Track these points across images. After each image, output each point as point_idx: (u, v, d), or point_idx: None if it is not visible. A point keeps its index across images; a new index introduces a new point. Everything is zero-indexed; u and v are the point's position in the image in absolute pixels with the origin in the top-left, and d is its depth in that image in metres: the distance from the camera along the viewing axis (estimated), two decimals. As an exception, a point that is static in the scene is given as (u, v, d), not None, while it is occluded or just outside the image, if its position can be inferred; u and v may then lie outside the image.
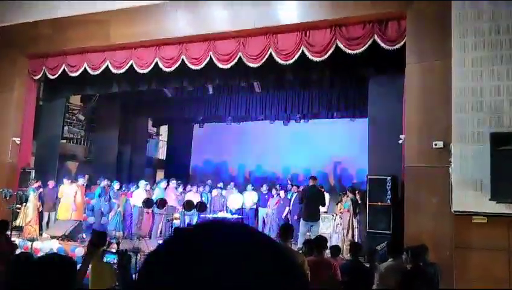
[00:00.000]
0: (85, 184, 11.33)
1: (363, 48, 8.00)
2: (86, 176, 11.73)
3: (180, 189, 12.06)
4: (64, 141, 14.19)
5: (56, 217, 10.78)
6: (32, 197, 10.35)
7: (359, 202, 9.26)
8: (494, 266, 6.07)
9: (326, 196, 10.44)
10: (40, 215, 10.57)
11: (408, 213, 7.01)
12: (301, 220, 9.39)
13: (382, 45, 7.86)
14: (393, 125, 8.25)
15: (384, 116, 8.67)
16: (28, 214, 10.23)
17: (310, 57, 8.46)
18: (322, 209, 9.88)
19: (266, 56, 8.77)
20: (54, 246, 8.64)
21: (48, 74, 10.94)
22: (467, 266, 6.27)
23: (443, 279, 5.38)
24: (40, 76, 11.16)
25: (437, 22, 7.07)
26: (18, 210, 10.34)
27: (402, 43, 7.59)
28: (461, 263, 6.30)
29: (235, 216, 11.70)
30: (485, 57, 6.50)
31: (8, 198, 9.89)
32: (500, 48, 6.42)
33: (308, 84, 11.14)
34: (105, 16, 9.87)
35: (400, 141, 7.78)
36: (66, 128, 13.75)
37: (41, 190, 10.61)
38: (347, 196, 9.62)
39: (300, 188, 10.61)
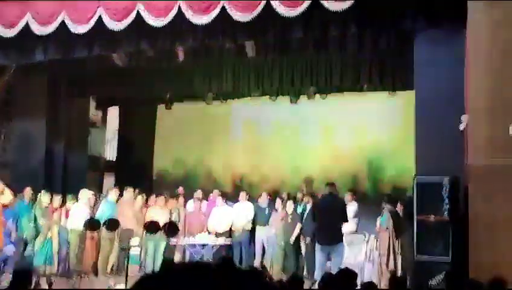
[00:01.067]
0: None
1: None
2: (1, 185, 11.69)
3: (140, 202, 12.05)
4: (-34, 134, 14.14)
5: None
6: None
7: (401, 215, 9.29)
8: None
9: (353, 207, 10.46)
10: None
11: (475, 231, 7.03)
12: (316, 244, 9.41)
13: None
14: (451, 102, 8.26)
15: (437, 89, 8.67)
16: None
17: (326, 4, 8.42)
18: (348, 227, 9.90)
19: (262, 4, 8.72)
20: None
21: None
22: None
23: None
24: None
25: None
26: None
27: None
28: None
29: (220, 240, 11.71)
30: None
31: None
32: None
33: (324, 45, 11.10)
34: None
35: (462, 126, 7.79)
36: (-32, 115, 13.70)
37: None
38: (384, 207, 9.64)
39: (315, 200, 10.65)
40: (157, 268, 11.67)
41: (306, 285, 6.90)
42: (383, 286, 8.65)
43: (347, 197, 10.67)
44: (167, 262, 5.92)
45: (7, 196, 11.04)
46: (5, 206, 11.48)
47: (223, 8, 8.94)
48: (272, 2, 8.68)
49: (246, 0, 8.83)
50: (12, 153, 14.36)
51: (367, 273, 9.59)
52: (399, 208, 9.38)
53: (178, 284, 0.66)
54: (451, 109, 8.18)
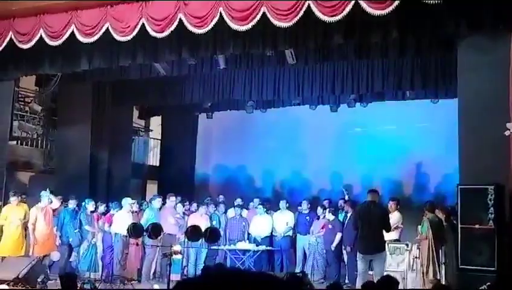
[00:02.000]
0: (50, 205, 11.34)
1: (447, -6, 7.89)
2: (48, 192, 11.89)
3: (182, 209, 12.14)
4: (14, 142, 14.45)
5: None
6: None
7: (444, 223, 9.17)
8: None
9: (396, 216, 10.37)
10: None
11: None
12: (357, 253, 9.33)
13: (477, -13, 7.73)
14: (495, 108, 8.13)
15: (481, 96, 8.53)
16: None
17: (367, 9, 8.37)
18: (390, 236, 9.80)
19: (302, 10, 8.71)
20: (1, 294, 8.80)
21: (-13, 47, 11.15)
22: None
23: None
24: (-24, 50, 11.38)
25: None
26: None
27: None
28: None
29: (262, 247, 11.71)
30: None
31: None
32: None
33: (366, 51, 11.02)
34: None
35: (507, 133, 7.64)
36: (15, 124, 13.96)
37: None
38: (425, 215, 9.52)
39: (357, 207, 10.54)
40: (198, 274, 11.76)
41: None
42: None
43: (390, 205, 10.58)
44: (206, 268, 5.93)
45: (54, 204, 11.22)
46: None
47: (263, 15, 8.96)
48: (312, 7, 8.65)
49: (287, 2, 8.79)
50: (58, 160, 14.60)
51: (410, 283, 9.46)
52: (442, 216, 9.24)
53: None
54: (495, 116, 8.05)
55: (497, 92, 8.09)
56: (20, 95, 14.87)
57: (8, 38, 10.82)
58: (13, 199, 10.99)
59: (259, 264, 11.67)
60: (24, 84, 14.88)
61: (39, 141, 15.68)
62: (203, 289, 0.65)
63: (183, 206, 12.37)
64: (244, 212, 12.65)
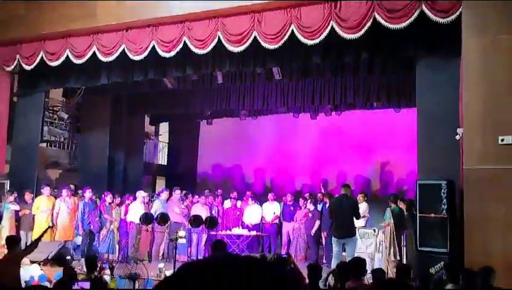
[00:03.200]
0: (71, 197, 11.38)
1: (407, 22, 7.94)
2: (72, 187, 11.88)
3: (186, 201, 12.14)
4: (45, 144, 14.41)
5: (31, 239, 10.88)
6: (8, 213, 10.53)
7: (405, 213, 9.19)
8: None
9: (364, 206, 10.40)
10: (18, 236, 10.72)
11: (469, 226, 6.92)
12: (333, 237, 9.36)
13: (432, 16, 7.78)
14: (448, 116, 8.13)
15: (436, 106, 8.54)
16: (2, 234, 10.42)
17: (342, 34, 8.42)
18: (359, 223, 9.84)
19: (287, 35, 8.75)
20: (34, 273, 8.77)
21: (22, 64, 11.11)
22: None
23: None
24: (13, 67, 11.33)
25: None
26: (-9, 230, 10.57)
27: (457, 13, 7.50)
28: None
29: (253, 233, 11.74)
30: None
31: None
32: None
33: (340, 69, 11.06)
34: (90, -8, 9.99)
35: (457, 137, 7.67)
36: (46, 129, 13.94)
37: (16, 205, 10.71)
38: (390, 206, 9.55)
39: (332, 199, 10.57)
40: (200, 256, 11.75)
41: (324, 271, 6.84)
42: (390, 273, 8.55)
43: (359, 197, 10.61)
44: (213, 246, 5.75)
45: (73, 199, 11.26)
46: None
47: (255, 38, 8.99)
48: (295, 32, 8.69)
49: (275, 28, 8.85)
50: (82, 160, 14.57)
51: (377, 262, 9.49)
52: (403, 206, 9.27)
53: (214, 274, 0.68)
54: (448, 124, 8.05)
55: (449, 104, 8.11)
56: (49, 105, 14.83)
57: (39, 57, 10.82)
58: (45, 190, 10.94)
59: (250, 247, 11.70)
60: (53, 95, 14.86)
61: (65, 144, 15.65)
62: (205, 271, 0.67)
63: (187, 199, 12.36)
64: (239, 204, 12.66)
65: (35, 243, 7.04)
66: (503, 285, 5.33)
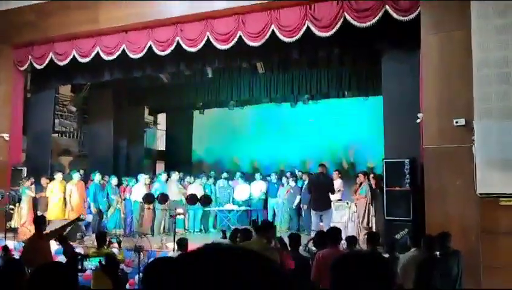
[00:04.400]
0: (80, 180, 11.27)
1: (373, 20, 7.94)
2: (81, 171, 11.78)
3: (183, 181, 12.12)
4: (56, 134, 14.26)
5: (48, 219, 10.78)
6: (26, 196, 10.44)
7: (374, 187, 9.25)
8: (524, 251, 6.06)
9: (338, 182, 10.45)
10: (35, 215, 10.64)
11: (429, 198, 7.00)
12: (311, 210, 9.41)
13: (395, 15, 7.79)
14: (410, 103, 8.19)
15: (400, 94, 8.59)
16: (22, 215, 10.34)
17: (316, 32, 8.40)
18: (335, 197, 9.90)
19: (268, 34, 8.71)
20: (51, 247, 8.71)
21: (34, 63, 10.97)
22: (494, 252, 6.26)
23: (470, 267, 5.39)
24: (26, 66, 11.19)
25: (454, -13, 6.96)
26: (12, 211, 10.46)
27: (416, 12, 7.51)
28: (488, 249, 6.29)
29: (243, 208, 11.77)
30: (509, 24, 6.39)
31: (0, 199, 9.99)
32: (525, 13, 6.31)
33: (315, 63, 11.06)
34: (92, -2, 9.83)
35: (418, 120, 7.73)
36: (57, 121, 13.79)
37: (32, 192, 10.59)
38: (364, 182, 9.52)
39: (310, 177, 10.62)
40: (196, 229, 11.76)
41: (304, 239, 6.90)
42: (361, 239, 8.62)
43: (334, 175, 10.65)
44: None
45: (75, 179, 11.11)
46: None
47: (240, 37, 8.93)
48: (275, 31, 8.65)
49: (257, 27, 8.81)
50: (89, 147, 14.48)
51: (350, 230, 9.56)
52: (372, 182, 9.32)
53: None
54: (410, 109, 8.11)
55: (411, 91, 8.16)
56: (59, 100, 14.65)
57: (49, 58, 10.69)
58: (58, 176, 10.83)
59: (240, 220, 11.70)
60: (62, 91, 14.66)
61: (75, 134, 15.51)
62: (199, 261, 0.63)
63: (184, 180, 12.34)
64: (230, 183, 12.66)
65: (64, 227, 6.89)
66: (460, 247, 5.41)
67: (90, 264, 5.43)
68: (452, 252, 5.14)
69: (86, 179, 11.95)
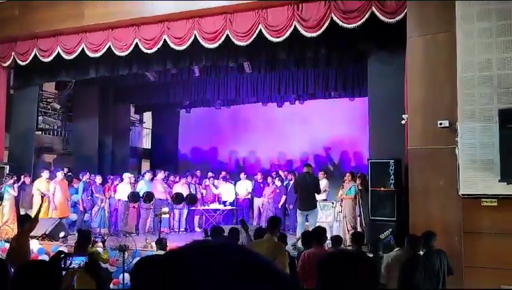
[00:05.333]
0: (63, 179, 11.20)
1: (360, 22, 7.99)
2: (65, 170, 11.67)
3: (168, 180, 12.06)
4: (40, 132, 14.08)
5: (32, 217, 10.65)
6: (8, 195, 10.29)
7: (359, 187, 9.30)
8: (505, 251, 6.16)
9: (324, 182, 10.50)
10: (18, 214, 10.51)
11: (413, 198, 7.06)
12: (297, 210, 9.44)
13: (381, 17, 7.85)
14: (395, 104, 8.23)
15: (385, 95, 8.64)
16: (4, 213, 10.19)
17: (303, 32, 8.43)
18: (320, 197, 9.95)
19: (256, 33, 8.72)
20: (33, 246, 8.61)
21: (18, 60, 10.82)
22: (476, 251, 6.35)
23: (452, 266, 5.45)
24: (9, 62, 11.03)
25: (440, -10, 7.04)
26: (-7, 210, 10.31)
27: (402, 14, 7.58)
28: (470, 249, 6.38)
29: (228, 207, 11.77)
30: (493, 27, 6.49)
31: (-19, 197, 9.84)
32: (509, 16, 6.41)
33: (302, 63, 11.08)
34: (78, -6, 9.73)
35: (403, 121, 7.79)
36: (40, 118, 13.62)
37: (14, 192, 10.45)
38: (351, 181, 9.55)
39: (296, 177, 10.65)
40: (181, 228, 11.71)
41: (289, 238, 6.93)
42: (347, 239, 8.68)
43: (320, 175, 10.70)
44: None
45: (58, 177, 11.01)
46: (69, 185, 11.49)
47: (227, 36, 8.92)
48: (263, 31, 8.67)
49: (245, 27, 8.81)
50: (74, 145, 14.34)
51: (335, 230, 9.61)
52: (358, 182, 9.38)
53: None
54: (395, 110, 8.16)
55: (396, 92, 8.20)
56: (43, 97, 14.47)
57: (33, 54, 10.55)
58: (45, 174, 10.71)
59: (226, 219, 11.71)
60: (46, 88, 14.49)
61: (59, 131, 15.33)
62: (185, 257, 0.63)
63: (169, 179, 12.29)
64: (215, 182, 12.64)
65: (35, 219, 6.87)
66: (442, 247, 5.49)
67: (74, 263, 5.37)
68: (436, 251, 5.21)
69: (70, 177, 11.86)
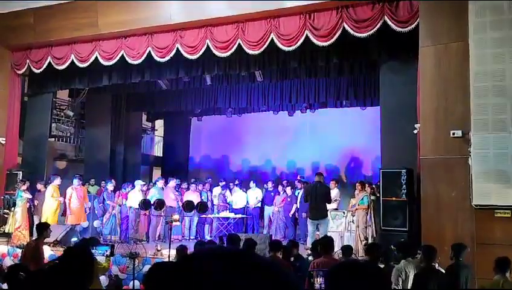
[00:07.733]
0: (80, 185, 11.19)
1: (372, 31, 8.00)
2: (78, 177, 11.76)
3: (179, 188, 12.10)
4: (53, 139, 14.25)
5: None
6: (21, 201, 10.41)
7: (371, 197, 9.25)
8: (519, 263, 6.07)
9: (335, 191, 10.46)
10: (31, 220, 10.62)
11: (425, 208, 7.02)
12: (308, 219, 9.42)
13: (393, 26, 7.86)
14: (407, 113, 8.22)
15: (397, 105, 8.64)
16: (17, 219, 10.28)
17: (315, 41, 8.46)
18: (331, 206, 9.91)
19: (267, 42, 8.77)
20: (45, 253, 8.68)
21: (32, 67, 10.99)
22: (489, 263, 6.27)
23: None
24: (24, 70, 11.21)
25: None
26: (6, 215, 10.43)
27: (415, 24, 7.58)
28: (483, 261, 6.29)
29: (239, 215, 11.77)
30: (506, 37, 6.47)
31: (-6, 203, 9.98)
32: (522, 26, 6.39)
33: (314, 72, 11.10)
34: (92, 3, 9.86)
35: (415, 131, 7.78)
36: (54, 125, 13.78)
37: (28, 194, 10.57)
38: (362, 191, 9.49)
39: (307, 186, 10.62)
40: (192, 236, 11.74)
41: (301, 248, 6.91)
42: (359, 249, 8.62)
43: (331, 184, 10.64)
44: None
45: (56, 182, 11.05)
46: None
47: (239, 45, 8.99)
48: (274, 40, 8.71)
49: (257, 35, 8.87)
50: (86, 152, 14.45)
51: (346, 240, 9.56)
52: (369, 191, 9.33)
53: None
54: (407, 119, 8.14)
55: (408, 102, 8.18)
56: (57, 104, 14.66)
57: (47, 62, 10.71)
58: (57, 180, 10.74)
59: (237, 228, 11.68)
60: (59, 95, 14.69)
61: (71, 138, 15.49)
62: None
63: (180, 186, 12.34)
64: (226, 190, 12.65)
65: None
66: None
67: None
68: (465, 265, 5.14)
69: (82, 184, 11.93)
